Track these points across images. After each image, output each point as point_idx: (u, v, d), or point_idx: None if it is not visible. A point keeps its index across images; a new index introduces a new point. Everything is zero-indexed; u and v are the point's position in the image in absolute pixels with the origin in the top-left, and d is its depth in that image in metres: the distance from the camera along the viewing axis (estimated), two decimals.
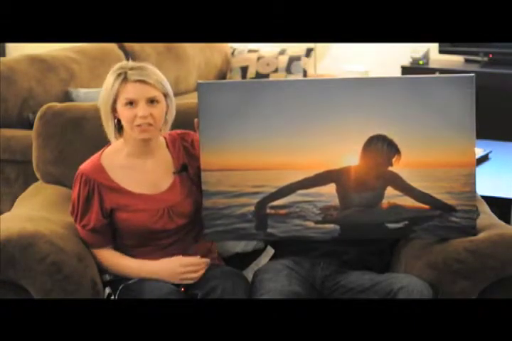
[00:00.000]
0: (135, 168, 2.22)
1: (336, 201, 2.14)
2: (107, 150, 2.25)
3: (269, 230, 2.16)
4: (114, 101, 2.15)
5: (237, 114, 2.11)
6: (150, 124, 2.13)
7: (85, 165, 2.23)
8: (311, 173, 2.13)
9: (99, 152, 2.26)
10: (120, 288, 2.16)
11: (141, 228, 2.19)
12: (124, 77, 2.13)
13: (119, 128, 2.21)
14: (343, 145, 2.10)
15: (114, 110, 2.17)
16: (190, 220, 2.24)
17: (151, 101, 2.14)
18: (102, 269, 2.21)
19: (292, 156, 2.12)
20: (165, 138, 2.28)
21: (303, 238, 2.17)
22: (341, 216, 2.14)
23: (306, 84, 2.13)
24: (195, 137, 2.27)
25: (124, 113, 2.14)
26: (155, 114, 2.13)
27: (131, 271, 2.18)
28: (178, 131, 2.30)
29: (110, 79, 2.15)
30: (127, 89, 2.13)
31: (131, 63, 2.17)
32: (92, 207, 2.19)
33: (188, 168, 2.25)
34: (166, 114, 2.19)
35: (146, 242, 2.22)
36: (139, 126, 2.13)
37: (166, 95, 2.18)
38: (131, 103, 2.13)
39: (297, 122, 2.10)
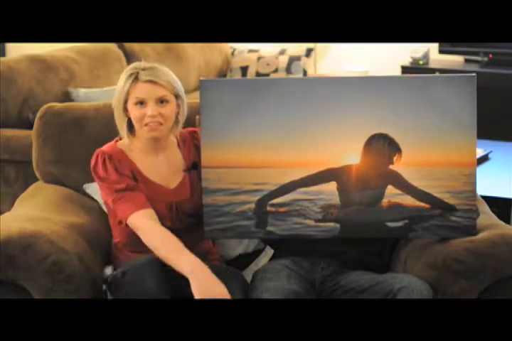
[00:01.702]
0: (148, 162, 2.25)
1: (336, 199, 2.14)
2: (121, 142, 2.28)
3: (269, 228, 2.16)
4: (126, 101, 2.18)
5: (239, 111, 2.12)
6: (160, 123, 2.16)
7: (105, 148, 2.25)
8: (312, 171, 2.13)
9: (113, 141, 2.28)
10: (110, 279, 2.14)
11: None
12: (135, 77, 2.16)
13: (131, 127, 2.23)
14: (344, 143, 2.10)
15: (125, 110, 2.20)
16: (196, 220, 2.24)
17: (161, 101, 2.17)
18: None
19: (293, 154, 2.12)
20: (176, 137, 2.31)
21: (303, 236, 2.17)
22: (342, 214, 2.14)
23: (307, 83, 2.13)
24: None
25: (133, 112, 2.17)
26: (164, 113, 2.16)
27: (180, 260, 2.06)
28: (189, 129, 2.33)
29: (122, 79, 2.19)
30: (137, 88, 2.16)
31: (143, 64, 2.20)
32: (125, 175, 2.19)
33: (198, 165, 2.25)
34: (178, 114, 2.22)
35: None
36: (147, 124, 2.16)
37: (176, 96, 2.20)
38: (141, 102, 2.16)
39: (298, 120, 2.11)
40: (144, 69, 2.17)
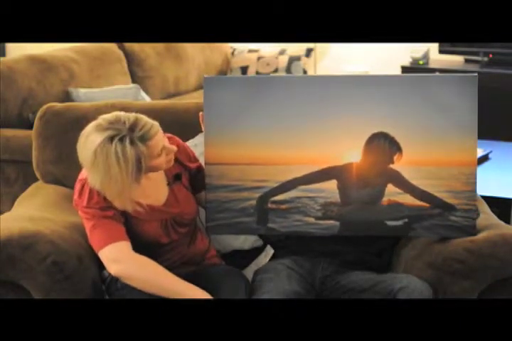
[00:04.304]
0: (133, 188, 2.08)
1: (336, 197, 2.15)
2: None
3: (269, 225, 2.16)
4: (140, 168, 2.01)
5: (242, 108, 2.12)
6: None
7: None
8: (313, 169, 2.13)
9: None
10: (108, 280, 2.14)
11: (148, 238, 2.14)
12: (144, 139, 2.00)
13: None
14: (345, 141, 2.11)
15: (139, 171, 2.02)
16: (190, 227, 2.23)
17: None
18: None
19: (295, 151, 2.13)
20: None
21: (303, 234, 2.17)
22: (342, 212, 2.15)
23: (310, 81, 2.14)
24: (179, 142, 2.23)
25: (162, 160, 2.06)
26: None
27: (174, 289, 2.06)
28: None
29: (127, 154, 1.97)
30: (156, 144, 2.02)
31: (118, 124, 2.00)
32: (111, 209, 2.08)
33: (181, 175, 2.22)
34: None
35: (147, 251, 2.14)
36: (171, 160, 2.10)
37: None
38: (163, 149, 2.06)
39: (301, 118, 2.11)
40: (131, 130, 1.99)
